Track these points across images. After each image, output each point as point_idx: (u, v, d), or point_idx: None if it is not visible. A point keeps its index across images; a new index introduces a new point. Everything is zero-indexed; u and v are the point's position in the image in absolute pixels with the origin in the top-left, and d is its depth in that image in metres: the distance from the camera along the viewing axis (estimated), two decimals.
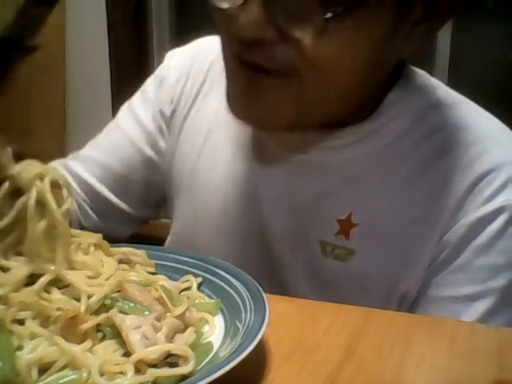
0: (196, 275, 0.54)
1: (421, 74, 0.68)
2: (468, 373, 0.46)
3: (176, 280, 0.53)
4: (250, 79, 0.57)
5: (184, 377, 0.41)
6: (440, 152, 0.63)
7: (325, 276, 0.64)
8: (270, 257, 0.67)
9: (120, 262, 0.52)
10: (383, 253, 0.63)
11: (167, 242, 0.78)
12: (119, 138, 0.79)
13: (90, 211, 0.79)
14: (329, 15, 0.51)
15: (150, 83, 0.80)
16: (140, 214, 0.81)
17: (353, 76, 0.57)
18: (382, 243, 0.63)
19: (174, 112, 0.77)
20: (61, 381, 0.40)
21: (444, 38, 2.14)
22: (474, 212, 0.62)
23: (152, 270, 0.53)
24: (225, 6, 0.54)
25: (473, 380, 0.46)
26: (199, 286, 0.53)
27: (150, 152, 0.78)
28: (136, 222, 0.81)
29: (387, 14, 0.54)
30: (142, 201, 0.80)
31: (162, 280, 0.51)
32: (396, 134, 0.64)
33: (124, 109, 0.81)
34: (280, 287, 0.65)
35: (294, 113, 0.58)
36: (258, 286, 0.51)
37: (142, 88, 0.81)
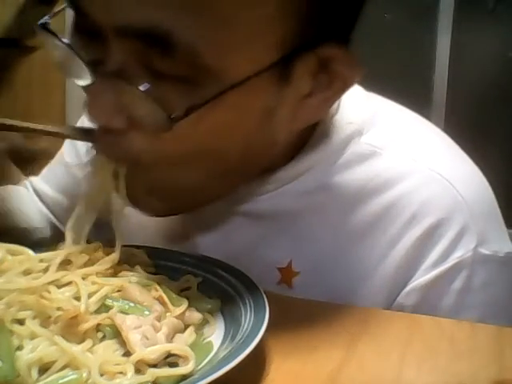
0: (196, 275, 0.54)
1: (353, 107, 0.61)
2: (468, 373, 0.46)
3: (176, 280, 0.53)
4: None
5: (184, 377, 0.41)
6: (376, 199, 0.59)
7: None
8: None
9: (120, 262, 0.52)
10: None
11: None
12: (63, 171, 0.79)
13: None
14: (174, 115, 0.45)
15: None
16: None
17: (224, 159, 0.51)
18: (324, 293, 0.59)
19: None
20: (61, 381, 0.40)
21: (444, 38, 2.14)
22: (429, 271, 0.58)
23: (152, 270, 0.53)
24: (79, 83, 0.48)
25: (473, 380, 0.46)
26: (199, 285, 0.53)
27: None
28: None
29: (261, 95, 0.49)
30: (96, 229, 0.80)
31: (162, 280, 0.51)
32: (322, 179, 0.59)
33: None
34: None
35: (160, 198, 0.54)
36: (258, 286, 0.51)
37: (83, 115, 0.77)
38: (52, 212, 0.80)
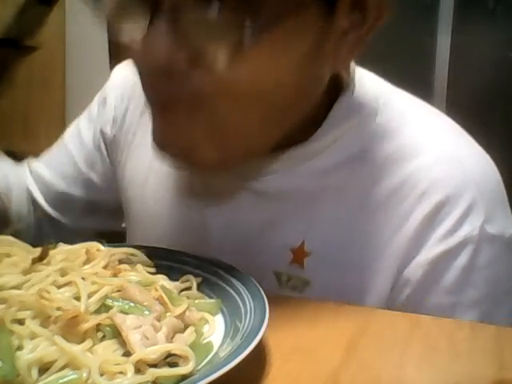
0: (196, 275, 0.54)
1: (369, 86, 0.63)
2: (468, 373, 0.46)
3: (176, 280, 0.53)
4: (166, 112, 0.53)
5: (184, 377, 0.41)
6: (390, 176, 0.60)
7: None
8: None
9: (120, 262, 0.52)
10: (338, 282, 0.60)
11: None
12: (63, 155, 0.80)
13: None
14: (240, 38, 0.46)
15: (95, 100, 0.79)
16: (89, 227, 0.82)
17: (277, 99, 0.52)
18: (336, 272, 0.60)
19: (118, 132, 0.75)
20: (61, 380, 0.40)
21: (444, 38, 2.14)
22: (435, 246, 0.58)
23: (152, 270, 0.53)
24: (128, 38, 0.49)
25: (473, 380, 0.46)
26: (199, 285, 0.53)
27: (88, 172, 0.79)
28: (88, 233, 0.81)
29: (310, 29, 0.50)
30: (87, 217, 0.81)
31: (162, 280, 0.51)
32: (340, 157, 0.60)
33: (72, 124, 0.81)
34: None
35: (216, 144, 0.53)
36: (258, 286, 0.51)
37: (91, 104, 0.80)
38: (45, 196, 0.81)
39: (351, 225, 0.61)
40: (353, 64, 0.62)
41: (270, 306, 0.47)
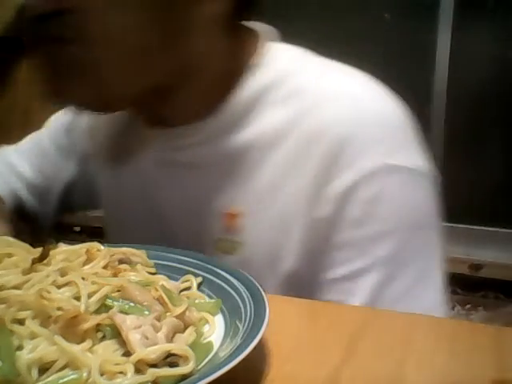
0: (196, 275, 0.54)
1: (277, 49, 0.67)
2: (468, 373, 0.46)
3: (176, 280, 0.53)
4: (49, 66, 0.60)
5: (184, 377, 0.41)
6: (296, 130, 0.63)
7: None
8: None
9: (120, 262, 0.52)
10: (266, 237, 0.64)
11: None
12: (39, 153, 0.86)
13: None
14: None
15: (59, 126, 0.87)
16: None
17: (142, 34, 0.57)
18: (264, 228, 0.64)
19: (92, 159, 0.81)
20: (61, 380, 0.40)
21: (444, 38, 2.14)
22: (339, 182, 0.60)
23: (152, 270, 0.53)
24: None
25: (472, 380, 0.46)
26: (199, 285, 0.53)
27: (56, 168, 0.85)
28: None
29: None
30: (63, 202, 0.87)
31: (162, 280, 0.51)
32: (258, 125, 0.64)
33: (49, 122, 0.89)
34: None
35: (91, 83, 0.59)
36: (258, 285, 0.51)
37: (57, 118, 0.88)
38: (28, 189, 0.85)
39: (274, 184, 0.64)
40: (266, 40, 0.66)
41: (270, 306, 0.47)
